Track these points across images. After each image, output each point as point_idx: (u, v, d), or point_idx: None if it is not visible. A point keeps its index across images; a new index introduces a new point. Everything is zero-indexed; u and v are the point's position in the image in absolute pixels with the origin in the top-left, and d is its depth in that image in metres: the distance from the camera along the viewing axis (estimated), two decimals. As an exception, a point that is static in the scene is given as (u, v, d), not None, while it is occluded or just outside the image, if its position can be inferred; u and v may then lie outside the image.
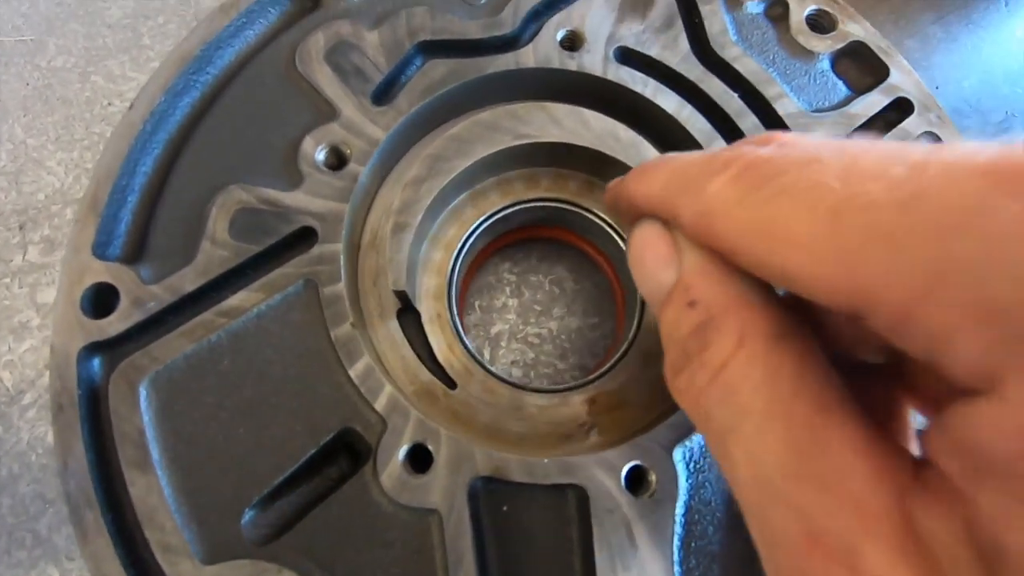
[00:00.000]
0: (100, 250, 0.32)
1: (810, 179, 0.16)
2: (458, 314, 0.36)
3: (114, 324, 0.30)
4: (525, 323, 0.43)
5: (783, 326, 0.18)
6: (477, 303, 0.43)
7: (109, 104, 0.46)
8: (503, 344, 0.42)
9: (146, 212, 0.33)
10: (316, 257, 0.32)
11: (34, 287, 0.42)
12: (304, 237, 0.32)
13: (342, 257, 0.32)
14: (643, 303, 0.36)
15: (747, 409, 0.17)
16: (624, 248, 0.37)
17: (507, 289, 0.43)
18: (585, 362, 0.42)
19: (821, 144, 0.17)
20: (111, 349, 0.30)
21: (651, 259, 0.21)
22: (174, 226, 0.32)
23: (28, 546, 0.38)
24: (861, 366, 0.20)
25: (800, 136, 0.20)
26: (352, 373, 0.30)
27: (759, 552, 0.18)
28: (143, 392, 0.29)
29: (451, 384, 0.34)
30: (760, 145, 0.19)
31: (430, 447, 0.29)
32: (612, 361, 0.35)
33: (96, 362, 0.30)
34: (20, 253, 0.43)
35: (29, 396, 0.40)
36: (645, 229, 0.22)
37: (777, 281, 0.17)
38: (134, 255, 0.32)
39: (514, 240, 0.42)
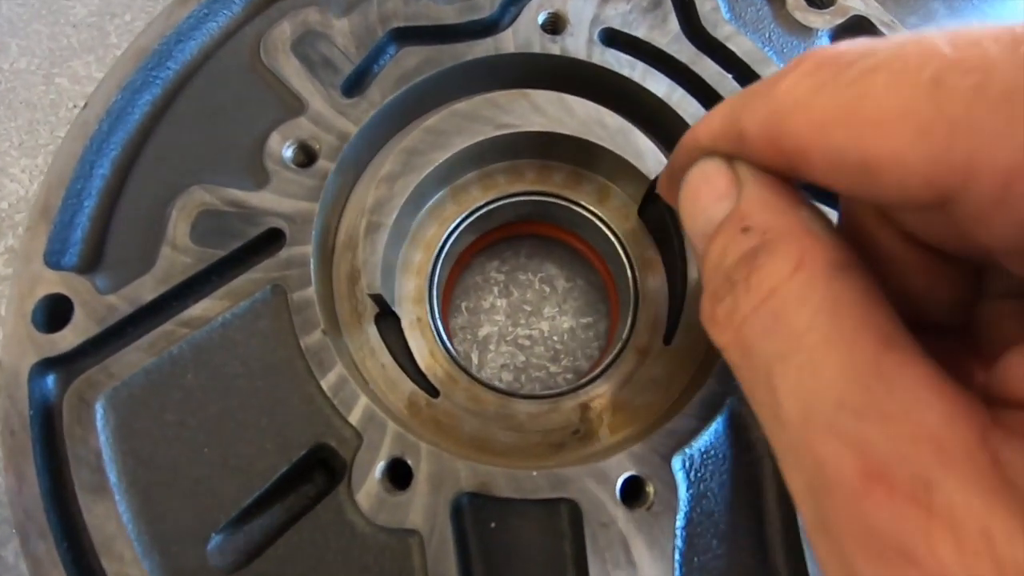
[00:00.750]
0: (53, 259, 0.29)
1: (908, 50, 0.14)
2: (441, 317, 0.34)
3: (68, 338, 0.28)
4: (515, 324, 0.41)
5: (847, 257, 0.16)
6: (464, 304, 0.41)
7: (75, 106, 0.44)
8: (492, 347, 0.40)
9: (103, 217, 0.31)
10: (284, 261, 0.30)
11: (0, 298, 0.40)
12: (272, 239, 0.30)
13: (312, 260, 0.30)
14: (638, 299, 0.34)
15: (801, 337, 0.15)
16: (615, 243, 0.35)
17: (495, 289, 0.41)
18: (579, 364, 0.40)
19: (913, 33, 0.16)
20: (65, 365, 0.28)
21: (706, 193, 0.19)
22: (133, 231, 0.30)
23: (-6, 574, 0.36)
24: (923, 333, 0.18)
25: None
26: (324, 384, 0.28)
27: (799, 506, 0.16)
28: (99, 410, 0.27)
29: (434, 392, 0.32)
30: (839, 43, 0.17)
31: (409, 462, 0.27)
32: (605, 363, 0.33)
33: (50, 379, 0.28)
34: (-17, 264, 0.41)
35: (-6, 415, 0.38)
36: (703, 164, 0.20)
37: (857, 179, 0.15)
38: (91, 264, 0.30)
39: (501, 237, 0.40)
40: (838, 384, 0.14)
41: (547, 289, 0.42)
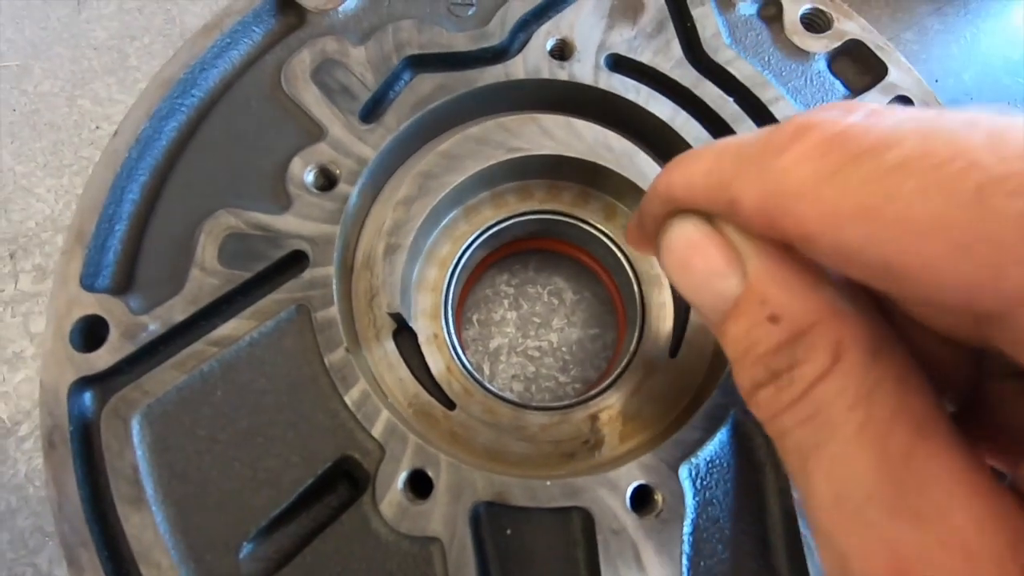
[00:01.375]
0: (88, 281, 0.31)
1: (939, 149, 0.13)
2: (455, 332, 0.36)
3: (104, 357, 0.30)
4: (524, 336, 0.42)
5: (881, 337, 0.16)
6: (475, 317, 0.42)
7: (97, 127, 0.46)
8: (503, 358, 0.42)
9: (134, 241, 0.32)
10: (308, 281, 0.31)
11: (27, 316, 0.42)
12: (295, 261, 0.32)
13: (334, 280, 0.31)
14: (644, 313, 0.35)
15: (836, 428, 0.15)
16: (622, 259, 0.36)
17: (505, 302, 0.43)
18: (587, 374, 0.42)
19: (934, 114, 0.15)
20: (102, 383, 0.30)
21: (702, 265, 0.18)
22: (163, 254, 0.32)
23: (28, 581, 0.37)
24: None
25: (893, 106, 0.17)
26: (348, 399, 0.29)
27: None
28: (135, 426, 0.29)
29: (450, 405, 0.33)
30: (844, 113, 0.16)
31: (430, 473, 0.28)
32: (614, 375, 0.34)
33: (87, 396, 0.30)
34: (12, 282, 0.42)
35: (25, 427, 0.40)
36: (686, 227, 0.19)
37: (877, 276, 0.15)
38: (123, 285, 0.31)
39: (510, 252, 0.42)
40: (870, 477, 0.15)
41: (555, 301, 0.43)
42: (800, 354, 0.16)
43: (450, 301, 0.35)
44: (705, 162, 0.18)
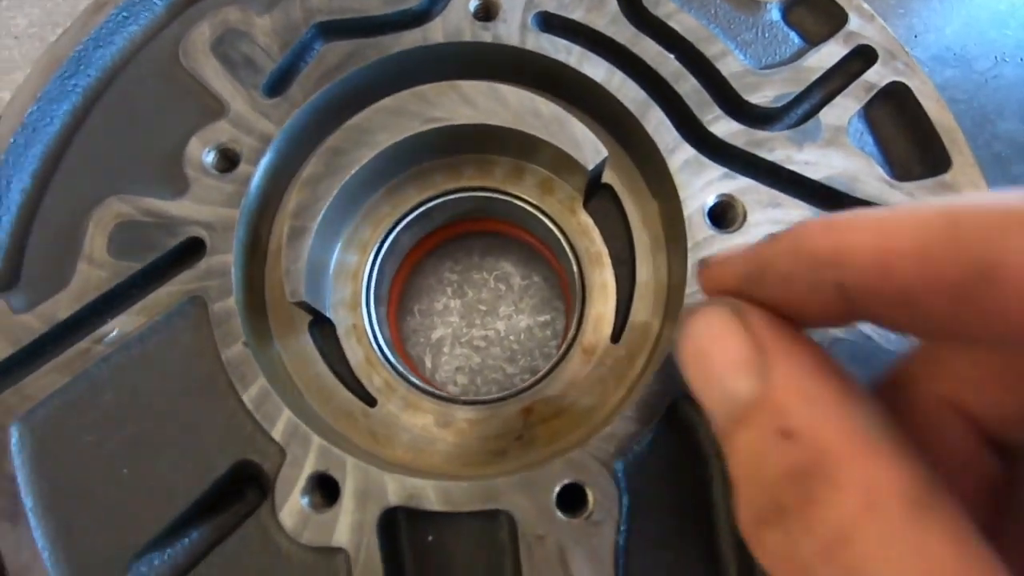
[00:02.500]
0: (-32, 279, 0.29)
1: None
2: (380, 322, 0.33)
3: (-18, 360, 0.27)
4: (470, 325, 0.39)
5: (928, 483, 0.13)
6: (416, 307, 0.40)
7: (18, 120, 0.43)
8: (446, 350, 0.39)
9: (21, 234, 0.30)
10: (204, 271, 0.28)
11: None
12: (192, 249, 0.29)
13: (234, 268, 0.28)
14: (584, 296, 0.32)
15: None
16: (560, 237, 0.33)
17: (448, 290, 0.40)
18: (536, 364, 0.39)
19: None
20: (-18, 388, 0.27)
21: (715, 360, 0.16)
22: (50, 247, 0.29)
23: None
24: None
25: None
26: (246, 398, 0.27)
27: None
28: (14, 434, 0.26)
29: (371, 401, 0.30)
30: None
31: (335, 476, 0.26)
32: (551, 364, 0.31)
33: (-35, 404, 0.27)
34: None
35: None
36: (711, 314, 0.16)
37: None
38: (7, 283, 0.29)
39: (451, 235, 0.39)
40: None
41: (503, 287, 0.40)
42: (819, 491, 0.13)
43: (371, 289, 0.33)
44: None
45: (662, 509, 0.26)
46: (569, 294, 0.37)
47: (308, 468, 0.26)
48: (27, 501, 0.26)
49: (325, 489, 0.26)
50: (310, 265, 0.29)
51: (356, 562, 0.25)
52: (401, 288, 0.39)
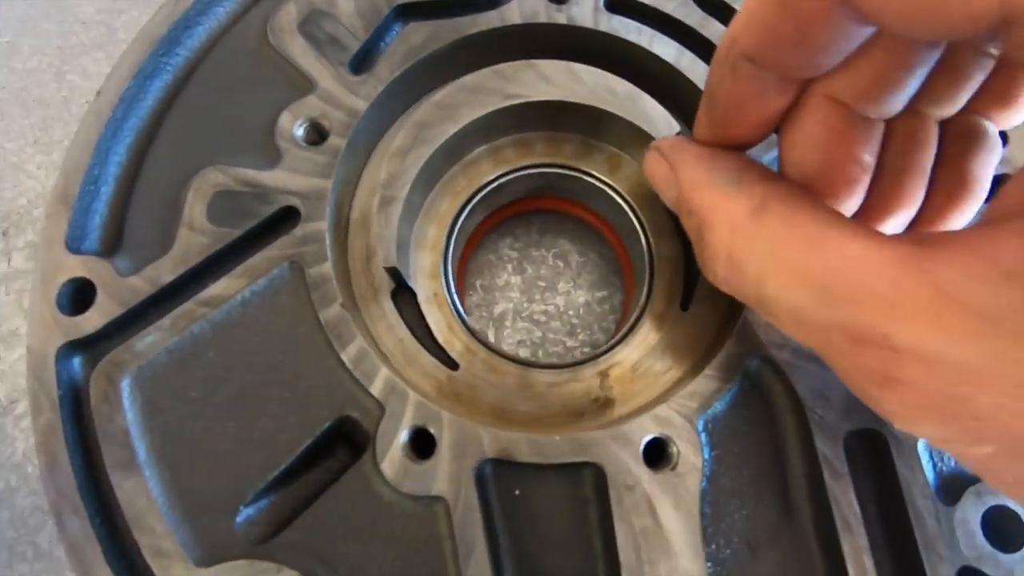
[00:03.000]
0: (74, 244, 0.30)
1: None
2: (457, 292, 0.34)
3: (92, 320, 0.29)
4: (530, 300, 0.41)
5: (766, 200, 0.22)
6: (478, 282, 0.41)
7: (87, 102, 0.45)
8: (508, 324, 0.40)
9: (121, 202, 0.31)
10: (300, 238, 0.30)
11: (21, 293, 0.41)
12: (286, 217, 0.30)
13: (328, 236, 0.30)
14: (653, 269, 0.33)
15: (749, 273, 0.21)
16: (628, 212, 0.35)
17: (508, 266, 0.41)
18: (596, 337, 0.40)
19: None
20: (90, 347, 0.29)
21: (656, 181, 0.27)
22: (150, 214, 0.31)
23: (29, 559, 0.36)
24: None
25: None
26: (344, 357, 0.28)
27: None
28: (125, 389, 0.28)
29: (453, 365, 0.32)
30: None
31: (432, 431, 0.27)
32: (624, 330, 0.32)
33: (76, 362, 0.29)
34: (5, 260, 0.42)
35: (22, 406, 0.39)
36: (651, 151, 0.28)
37: (889, 15, 0.17)
38: (110, 248, 0.30)
39: (512, 214, 0.40)
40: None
41: (561, 264, 0.41)
42: (707, 234, 0.23)
43: (450, 260, 0.34)
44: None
45: (741, 462, 0.28)
46: (628, 269, 0.38)
47: (407, 422, 0.27)
48: (140, 452, 0.27)
49: (423, 442, 0.27)
50: (402, 238, 0.30)
51: (455, 510, 0.26)
52: (464, 264, 0.40)
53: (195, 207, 0.30)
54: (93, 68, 0.46)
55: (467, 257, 0.40)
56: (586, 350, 0.40)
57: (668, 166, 0.26)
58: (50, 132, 0.44)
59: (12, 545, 0.37)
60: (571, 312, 0.41)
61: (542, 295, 0.41)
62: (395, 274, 0.31)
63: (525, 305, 0.41)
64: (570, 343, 0.40)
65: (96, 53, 0.46)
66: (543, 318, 0.41)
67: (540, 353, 0.40)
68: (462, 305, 0.35)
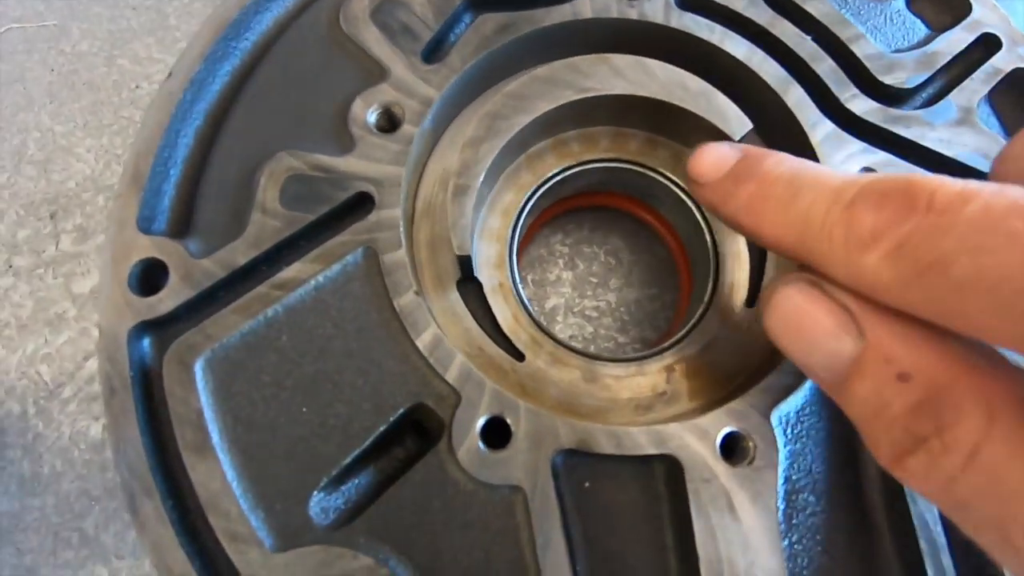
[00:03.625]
0: (145, 226, 0.30)
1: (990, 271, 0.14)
2: (520, 283, 0.34)
3: (165, 302, 0.28)
4: (581, 296, 0.41)
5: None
6: (530, 277, 0.41)
7: (137, 87, 0.45)
8: (559, 319, 0.40)
9: (190, 184, 0.31)
10: (374, 224, 0.30)
11: (69, 277, 0.40)
12: (360, 203, 0.30)
13: (402, 222, 0.30)
14: (718, 263, 0.33)
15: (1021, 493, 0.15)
16: (692, 208, 0.35)
17: (560, 261, 0.41)
18: (646, 335, 0.40)
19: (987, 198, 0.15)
20: (161, 329, 0.29)
21: (811, 330, 0.19)
22: (221, 197, 0.30)
23: (75, 545, 0.36)
24: None
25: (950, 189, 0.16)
26: (419, 344, 0.28)
27: None
28: (199, 372, 0.27)
29: (519, 356, 0.32)
30: (908, 207, 0.16)
31: (508, 420, 0.27)
32: (688, 326, 0.32)
33: (146, 343, 0.28)
34: (53, 243, 0.41)
35: (69, 389, 0.39)
36: (791, 293, 0.20)
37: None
38: (181, 229, 0.30)
39: (568, 208, 0.40)
40: None
41: (612, 261, 0.41)
42: (947, 416, 0.16)
43: (515, 251, 0.34)
44: (789, 217, 0.19)
45: (816, 460, 0.28)
46: (686, 266, 0.38)
47: (484, 410, 0.27)
48: (213, 435, 0.27)
49: (498, 431, 0.27)
50: (473, 226, 0.30)
51: (533, 500, 0.26)
52: (519, 260, 0.40)
53: (268, 191, 0.30)
54: (143, 53, 0.46)
55: (521, 251, 0.40)
56: (637, 346, 0.40)
57: (833, 308, 0.19)
58: (100, 116, 0.44)
59: (57, 531, 0.36)
60: (623, 309, 0.41)
61: (594, 291, 0.41)
62: (466, 263, 0.31)
63: (577, 301, 0.41)
64: (621, 339, 0.40)
65: (146, 38, 0.46)
66: (595, 314, 0.40)
67: (592, 348, 0.40)
68: (526, 295, 0.34)
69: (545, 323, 0.40)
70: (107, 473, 0.37)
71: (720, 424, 0.27)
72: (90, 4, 0.47)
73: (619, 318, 0.40)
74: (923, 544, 0.26)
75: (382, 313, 0.28)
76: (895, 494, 0.27)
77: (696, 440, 0.27)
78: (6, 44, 0.45)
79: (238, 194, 0.30)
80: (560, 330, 0.40)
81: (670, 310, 0.40)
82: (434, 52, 0.33)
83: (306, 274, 0.29)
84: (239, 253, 0.29)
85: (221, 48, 0.33)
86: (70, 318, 0.40)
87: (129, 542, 0.36)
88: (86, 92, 0.44)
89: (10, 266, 0.41)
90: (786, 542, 0.27)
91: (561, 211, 0.40)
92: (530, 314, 0.33)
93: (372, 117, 0.31)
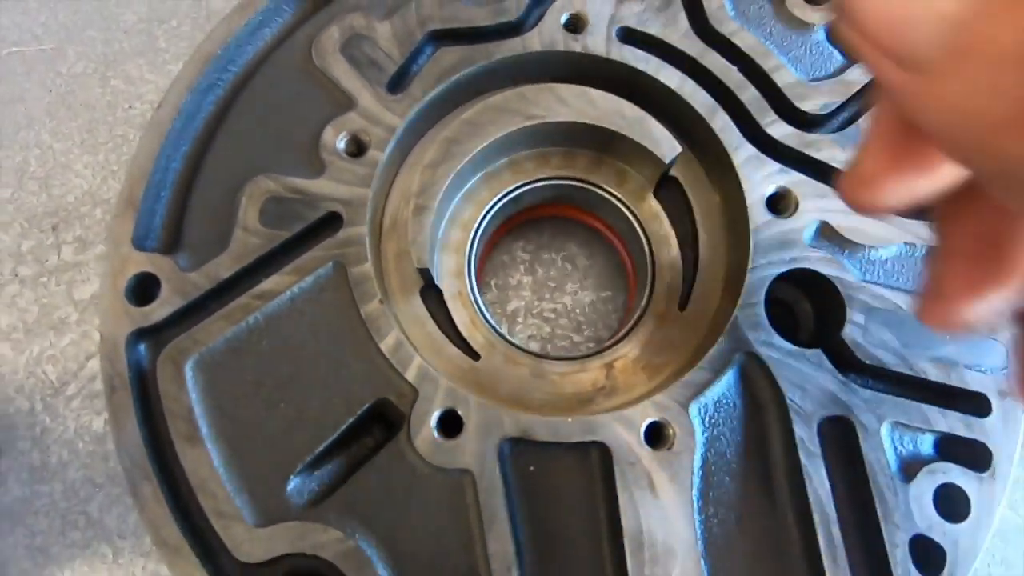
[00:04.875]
0: (139, 243, 0.33)
1: None
2: (478, 290, 0.38)
3: (157, 311, 0.32)
4: (540, 299, 0.45)
5: None
6: (493, 281, 0.45)
7: (130, 107, 0.48)
8: (520, 320, 0.44)
9: (179, 205, 0.35)
10: (343, 240, 0.33)
11: (71, 284, 0.44)
12: (330, 222, 0.34)
13: (367, 238, 0.34)
14: (655, 271, 0.37)
15: None
16: (633, 221, 0.38)
17: (521, 267, 0.45)
18: (600, 334, 0.44)
19: None
20: (156, 335, 0.32)
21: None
22: (207, 217, 0.34)
23: (81, 527, 0.40)
24: None
25: None
26: (383, 347, 0.32)
27: None
28: (189, 372, 0.31)
29: (475, 356, 0.35)
30: None
31: (460, 412, 0.31)
32: (627, 328, 0.36)
33: (142, 348, 0.32)
34: (55, 253, 0.45)
35: (73, 387, 0.42)
36: None
37: None
38: (171, 246, 0.34)
39: (527, 219, 0.44)
40: None
41: (569, 267, 0.45)
42: None
43: (473, 261, 0.38)
44: None
45: (730, 445, 0.32)
46: (632, 273, 0.42)
47: (438, 404, 0.31)
48: (202, 428, 0.31)
49: (451, 422, 0.31)
50: (432, 241, 0.34)
51: (480, 481, 0.30)
52: (482, 264, 0.44)
53: (249, 211, 0.34)
54: (136, 73, 0.49)
55: (484, 259, 0.43)
56: (591, 345, 0.44)
57: None
58: (95, 134, 0.48)
59: (65, 515, 0.40)
60: (578, 310, 0.44)
61: (551, 294, 0.45)
62: (426, 274, 0.35)
63: (536, 303, 0.45)
64: (576, 339, 0.44)
65: (138, 60, 0.49)
66: (552, 315, 0.44)
67: (549, 347, 0.44)
68: (483, 302, 0.38)
69: (507, 325, 0.44)
70: (109, 462, 0.41)
71: (645, 414, 0.31)
72: (84, 28, 0.50)
73: (575, 319, 0.44)
74: (816, 517, 0.30)
75: (350, 320, 0.32)
76: (797, 474, 0.31)
77: (623, 428, 0.31)
78: (6, 67, 0.49)
79: (222, 213, 0.34)
80: (520, 331, 0.44)
81: (622, 311, 0.44)
82: (398, 83, 0.36)
83: (283, 286, 0.33)
84: (223, 267, 0.33)
85: (207, 80, 0.36)
86: (72, 322, 0.44)
87: (131, 523, 0.40)
88: (82, 111, 0.48)
89: (16, 275, 0.45)
90: (702, 516, 0.31)
91: (522, 220, 0.44)
92: (486, 319, 0.37)
93: (341, 143, 0.35)
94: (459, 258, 0.37)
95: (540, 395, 0.35)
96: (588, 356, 0.36)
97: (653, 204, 0.38)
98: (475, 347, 0.36)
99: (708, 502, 0.31)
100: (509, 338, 0.36)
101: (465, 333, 0.36)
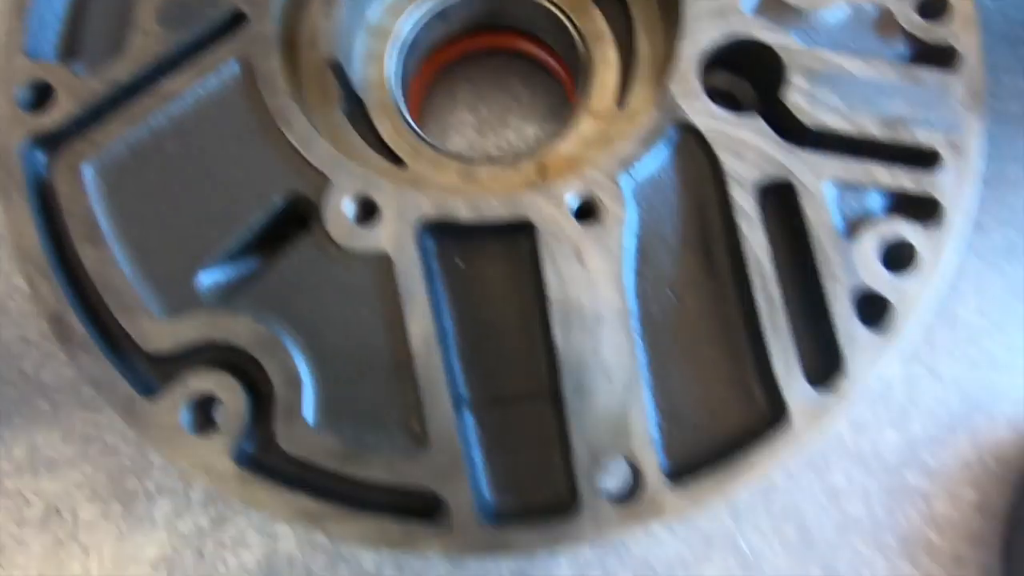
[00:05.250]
0: (32, 51, 0.31)
1: None
2: (408, 109, 0.36)
3: (52, 116, 0.30)
4: (483, 136, 0.43)
5: None
6: (431, 122, 0.43)
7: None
8: (462, 158, 0.42)
9: (74, 10, 0.33)
10: (249, 37, 0.31)
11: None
12: (235, 21, 0.32)
13: (276, 38, 0.31)
14: (590, 69, 0.35)
15: None
16: (565, 21, 0.36)
17: (463, 106, 0.43)
18: (545, 168, 0.42)
19: None
20: (54, 144, 0.31)
21: None
22: (104, 21, 0.32)
23: (16, 383, 0.39)
24: None
25: None
26: (292, 138, 0.30)
27: None
28: (88, 173, 0.30)
29: (400, 163, 0.34)
30: None
31: (375, 198, 0.29)
32: (563, 127, 0.34)
33: (40, 155, 0.30)
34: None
35: (3, 250, 0.41)
36: None
37: None
38: (68, 52, 0.32)
39: (462, 52, 0.42)
40: None
41: (512, 102, 0.43)
42: None
43: (398, 73, 0.36)
44: None
45: (668, 219, 0.30)
46: (571, 84, 0.40)
47: (352, 189, 0.29)
48: (104, 229, 0.29)
49: (367, 207, 0.29)
50: (341, 32, 0.32)
51: (399, 263, 0.28)
52: (420, 102, 0.42)
53: (145, 11, 0.31)
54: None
55: (420, 95, 0.41)
56: (537, 180, 0.42)
57: None
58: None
59: (1, 373, 0.39)
60: (522, 144, 0.42)
61: (495, 130, 0.43)
62: (339, 71, 0.32)
63: (479, 140, 0.43)
64: (522, 174, 0.42)
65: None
66: (496, 152, 0.42)
67: (493, 183, 0.42)
68: (412, 114, 0.36)
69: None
70: (43, 321, 0.40)
71: (571, 188, 0.29)
72: None
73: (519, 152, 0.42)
74: (755, 279, 0.28)
75: (258, 115, 0.30)
76: (736, 243, 0.29)
77: (549, 204, 0.29)
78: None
79: (119, 18, 0.32)
80: (462, 168, 0.42)
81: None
82: None
83: (185, 85, 0.31)
84: (121, 70, 0.31)
85: None
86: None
87: (67, 378, 0.39)
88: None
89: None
90: (638, 292, 0.29)
91: (458, 54, 0.42)
92: (412, 127, 0.35)
93: (242, -61, 0.33)
94: (380, 68, 0.35)
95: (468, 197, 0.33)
96: (519, 158, 0.34)
97: (590, 7, 0.36)
98: (400, 154, 0.34)
99: (645, 279, 0.29)
100: (436, 144, 0.34)
101: (388, 141, 0.34)
